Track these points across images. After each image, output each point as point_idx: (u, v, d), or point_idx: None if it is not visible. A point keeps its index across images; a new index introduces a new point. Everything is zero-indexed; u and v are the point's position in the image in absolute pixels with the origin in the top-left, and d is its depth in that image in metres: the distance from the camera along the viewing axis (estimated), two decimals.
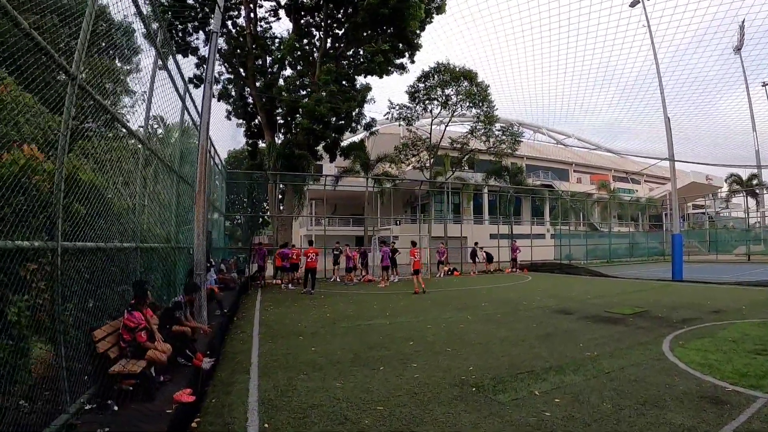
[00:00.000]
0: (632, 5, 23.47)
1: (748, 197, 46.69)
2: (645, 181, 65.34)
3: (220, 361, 6.28)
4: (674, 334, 7.95)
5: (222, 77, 25.59)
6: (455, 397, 4.80)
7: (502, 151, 34.31)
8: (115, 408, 4.01)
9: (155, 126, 7.41)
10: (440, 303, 12.84)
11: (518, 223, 38.89)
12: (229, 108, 26.75)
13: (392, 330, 8.59)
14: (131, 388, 4.29)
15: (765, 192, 45.13)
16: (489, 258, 25.50)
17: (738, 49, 39.81)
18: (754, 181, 44.54)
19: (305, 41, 24.70)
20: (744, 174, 46.41)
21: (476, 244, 25.02)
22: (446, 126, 33.44)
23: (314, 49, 24.93)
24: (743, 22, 39.10)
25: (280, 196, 26.10)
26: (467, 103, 31.30)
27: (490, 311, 11.03)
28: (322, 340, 7.75)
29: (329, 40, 25.09)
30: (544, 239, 39.42)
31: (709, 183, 57.36)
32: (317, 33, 25.15)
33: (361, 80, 25.87)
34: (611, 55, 49.02)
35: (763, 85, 39.48)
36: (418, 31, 24.96)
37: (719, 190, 58.14)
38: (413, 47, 25.65)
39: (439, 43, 45.59)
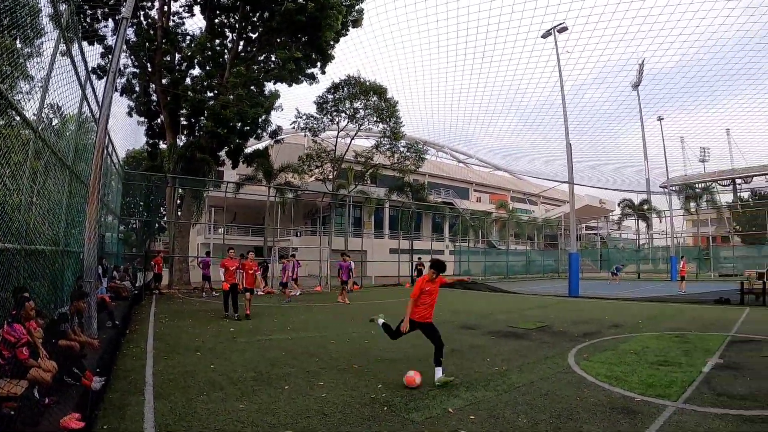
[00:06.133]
0: (544, 36, 25.40)
1: (639, 220, 51.83)
2: (541, 202, 70.62)
3: (112, 381, 5.69)
4: (578, 348, 8.27)
5: (127, 70, 23.73)
6: (367, 417, 4.62)
7: (405, 168, 35.15)
8: None
9: (50, 115, 6.69)
10: (343, 317, 12.80)
11: (418, 239, 40.15)
12: (132, 104, 24.83)
13: (295, 345, 8.32)
14: (12, 412, 3.75)
15: (654, 216, 49.80)
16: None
17: (636, 86, 44.77)
18: (645, 206, 49.41)
19: (217, 41, 23.72)
20: (636, 199, 51.03)
21: (343, 254, 21.36)
22: (352, 139, 33.78)
23: (226, 51, 24.02)
24: (643, 61, 44.03)
25: (178, 201, 24.61)
26: (374, 118, 31.69)
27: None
28: (222, 356, 7.33)
29: (242, 43, 24.35)
30: (444, 255, 41.02)
31: (602, 206, 63.31)
32: (231, 34, 24.27)
33: (270, 86, 25.36)
34: (512, 82, 52.69)
35: (658, 119, 43.88)
36: (332, 42, 24.97)
37: (611, 213, 63.80)
38: (326, 58, 25.56)
39: (350, 57, 46.11)
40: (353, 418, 4.59)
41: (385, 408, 4.88)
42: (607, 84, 53.64)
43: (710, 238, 49.91)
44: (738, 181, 61.26)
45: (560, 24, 24.02)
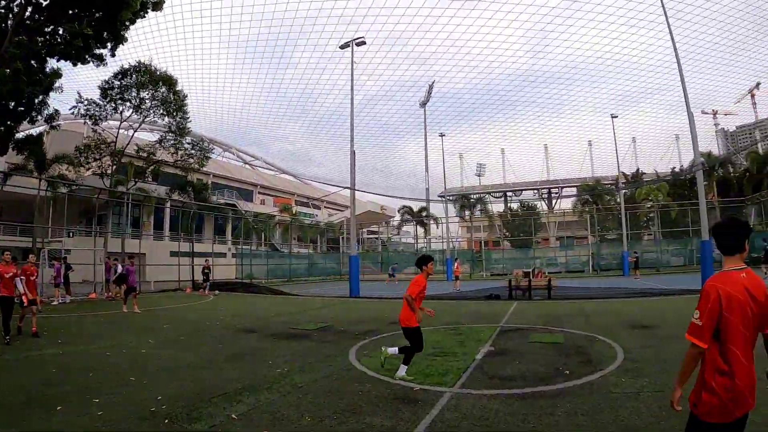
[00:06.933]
0: (342, 47, 27.42)
1: (418, 226, 57.60)
2: (325, 207, 73.51)
3: None
4: (359, 345, 8.71)
5: None
6: None
7: (189, 166, 34.57)
8: None
9: None
10: (118, 327, 12.32)
11: (200, 241, 39.74)
12: None
13: (67, 361, 7.81)
14: None
15: (432, 222, 56.25)
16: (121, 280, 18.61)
17: (423, 104, 50.82)
18: (424, 213, 55.26)
19: (3, 3, 20.85)
20: (415, 206, 57.24)
21: (130, 258, 19.02)
22: (135, 131, 32.30)
23: (10, 15, 21.24)
24: (432, 83, 50.23)
25: None
26: (161, 111, 30.60)
27: (173, 334, 10.95)
28: None
29: (30, 9, 21.70)
30: (226, 258, 40.92)
31: (383, 212, 68.05)
32: None
33: (52, 64, 22.97)
34: (297, 88, 57.05)
35: (440, 136, 49.92)
36: (128, 23, 23.31)
37: (392, 219, 69.45)
38: (118, 39, 23.73)
39: (144, 43, 42.97)
40: None
41: (167, 420, 4.72)
42: (394, 99, 60.53)
43: (483, 242, 57.22)
44: (509, 193, 74.52)
45: (359, 38, 26.43)
